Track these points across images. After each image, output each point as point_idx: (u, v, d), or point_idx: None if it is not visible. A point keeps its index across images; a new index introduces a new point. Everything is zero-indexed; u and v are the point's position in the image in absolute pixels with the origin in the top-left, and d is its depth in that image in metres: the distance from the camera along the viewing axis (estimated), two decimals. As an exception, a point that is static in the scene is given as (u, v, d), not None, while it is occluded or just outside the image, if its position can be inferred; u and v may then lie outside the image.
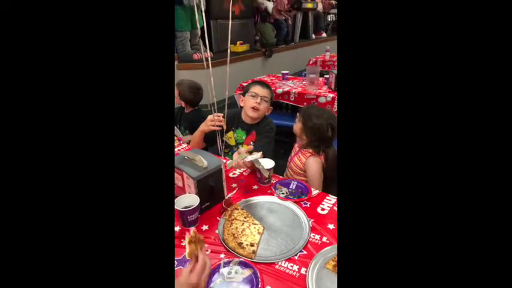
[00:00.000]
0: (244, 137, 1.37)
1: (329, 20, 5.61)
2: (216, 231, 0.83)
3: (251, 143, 1.35)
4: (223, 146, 1.41)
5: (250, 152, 1.04)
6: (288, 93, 2.23)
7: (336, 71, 2.15)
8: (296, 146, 1.32)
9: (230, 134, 1.38)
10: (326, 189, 1.15)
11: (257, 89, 1.32)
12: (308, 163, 1.20)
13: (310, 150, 1.22)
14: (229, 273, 0.69)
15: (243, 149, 1.16)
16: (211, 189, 0.90)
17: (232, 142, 1.39)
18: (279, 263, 0.73)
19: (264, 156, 1.08)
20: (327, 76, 2.32)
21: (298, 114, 1.26)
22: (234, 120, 1.37)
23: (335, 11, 5.64)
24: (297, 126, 1.25)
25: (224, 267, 0.71)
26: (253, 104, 1.29)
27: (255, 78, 2.40)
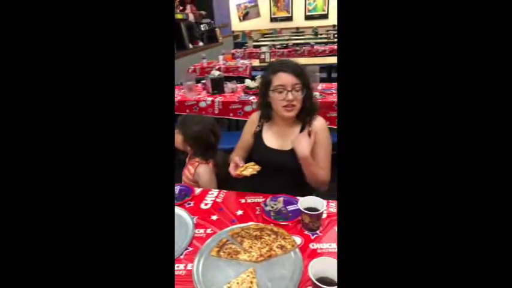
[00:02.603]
0: None
1: (202, 29, 5.79)
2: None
3: None
4: None
5: None
6: (168, 103, 2.20)
7: (210, 76, 2.26)
8: (187, 159, 1.30)
9: None
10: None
11: None
12: (199, 173, 1.19)
13: (197, 159, 1.21)
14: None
15: None
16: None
17: None
18: (165, 268, 0.72)
19: None
20: (204, 81, 2.40)
21: (175, 127, 1.24)
22: None
23: (207, 20, 5.87)
24: (177, 139, 1.22)
25: None
26: None
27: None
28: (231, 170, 1.01)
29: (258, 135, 1.15)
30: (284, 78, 1.01)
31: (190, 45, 5.40)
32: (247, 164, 1.01)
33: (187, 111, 2.21)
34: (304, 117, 1.08)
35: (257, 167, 0.99)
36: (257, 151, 1.15)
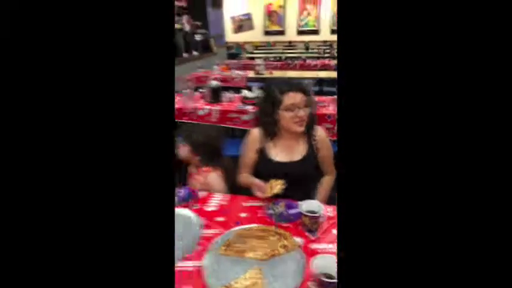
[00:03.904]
0: None
1: (197, 39, 5.90)
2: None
3: None
4: None
5: None
6: (166, 110, 2.25)
7: (209, 85, 2.33)
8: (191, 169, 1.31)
9: None
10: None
11: None
12: (210, 182, 1.20)
13: (205, 168, 1.23)
14: None
15: None
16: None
17: None
18: (177, 265, 0.77)
19: None
20: (202, 90, 2.46)
21: (179, 138, 1.26)
22: None
23: (202, 31, 6.00)
24: (184, 150, 1.24)
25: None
26: None
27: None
28: (258, 193, 1.02)
29: (263, 152, 1.19)
30: (295, 98, 1.08)
31: (186, 55, 5.49)
32: (270, 184, 1.02)
33: (186, 118, 2.27)
34: (307, 128, 1.16)
35: (280, 181, 1.01)
36: (264, 167, 1.18)
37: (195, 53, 5.74)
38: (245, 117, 2.21)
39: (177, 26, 5.13)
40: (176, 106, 2.28)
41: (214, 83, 2.37)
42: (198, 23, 5.99)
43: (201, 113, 2.23)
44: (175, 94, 2.60)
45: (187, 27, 5.55)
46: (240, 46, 7.28)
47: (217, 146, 1.26)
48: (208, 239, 0.86)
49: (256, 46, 7.37)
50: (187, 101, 2.30)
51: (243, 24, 7.64)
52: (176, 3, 5.43)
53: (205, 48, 6.20)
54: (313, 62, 4.43)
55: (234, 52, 6.81)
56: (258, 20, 7.68)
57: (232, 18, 7.59)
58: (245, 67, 4.25)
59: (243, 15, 7.60)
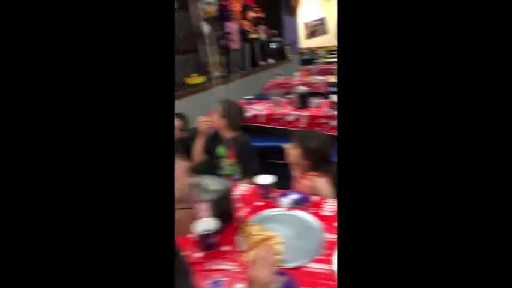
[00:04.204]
0: (224, 151, 1.59)
1: (273, 47, 6.08)
2: (239, 250, 0.86)
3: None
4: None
5: None
6: (256, 116, 2.37)
7: (297, 91, 2.37)
8: (295, 175, 1.32)
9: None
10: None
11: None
12: (319, 186, 1.20)
13: (314, 173, 1.23)
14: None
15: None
16: (224, 211, 0.94)
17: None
18: (307, 265, 0.79)
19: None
20: (290, 96, 2.52)
21: (291, 141, 1.28)
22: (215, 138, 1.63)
23: (277, 39, 6.16)
24: (294, 153, 1.26)
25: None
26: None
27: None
28: None
29: None
30: None
31: (262, 63, 5.70)
32: None
33: (273, 124, 2.34)
34: None
35: None
36: None
37: (270, 60, 5.93)
38: (334, 122, 2.16)
39: (254, 35, 5.39)
40: (265, 112, 2.37)
41: (301, 88, 2.40)
42: (274, 31, 6.18)
43: (290, 118, 2.27)
44: (264, 101, 2.71)
45: (263, 36, 5.77)
46: (312, 51, 7.23)
47: (328, 152, 1.26)
48: (331, 243, 0.86)
49: (329, 50, 7.21)
50: (276, 106, 2.38)
51: (316, 29, 7.57)
52: (254, 14, 5.71)
53: (280, 55, 6.35)
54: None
55: (308, 58, 6.78)
56: (332, 24, 7.50)
57: (306, 24, 7.59)
58: (324, 72, 4.18)
59: (317, 20, 7.53)
